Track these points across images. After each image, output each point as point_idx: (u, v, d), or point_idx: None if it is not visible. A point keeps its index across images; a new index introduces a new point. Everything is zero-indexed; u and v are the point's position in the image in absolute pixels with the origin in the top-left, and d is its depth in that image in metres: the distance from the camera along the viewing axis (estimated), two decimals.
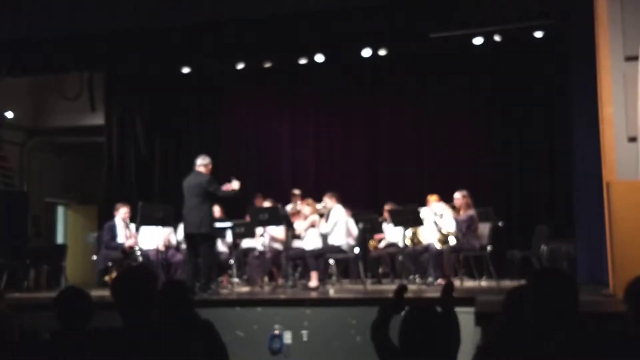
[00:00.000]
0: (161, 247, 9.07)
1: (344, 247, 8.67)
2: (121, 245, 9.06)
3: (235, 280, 9.22)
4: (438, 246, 8.57)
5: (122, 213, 9.35)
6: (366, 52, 10.58)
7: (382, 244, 9.71)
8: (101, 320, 3.45)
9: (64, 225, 14.68)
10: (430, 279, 8.68)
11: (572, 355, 1.99)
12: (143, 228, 9.02)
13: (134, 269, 3.18)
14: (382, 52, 10.66)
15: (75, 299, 3.36)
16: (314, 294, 7.91)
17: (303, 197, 9.88)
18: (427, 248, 8.78)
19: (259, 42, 9.34)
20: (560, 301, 2.38)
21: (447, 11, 8.31)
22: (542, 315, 2.36)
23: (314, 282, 8.50)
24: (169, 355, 2.53)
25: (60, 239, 14.33)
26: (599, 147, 6.86)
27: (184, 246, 9.07)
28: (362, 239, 9.11)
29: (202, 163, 8.18)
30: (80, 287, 3.54)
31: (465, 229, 8.60)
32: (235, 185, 8.12)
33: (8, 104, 12.41)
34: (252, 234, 9.39)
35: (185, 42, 9.23)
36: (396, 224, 8.84)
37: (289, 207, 9.86)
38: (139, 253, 9.02)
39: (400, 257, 9.17)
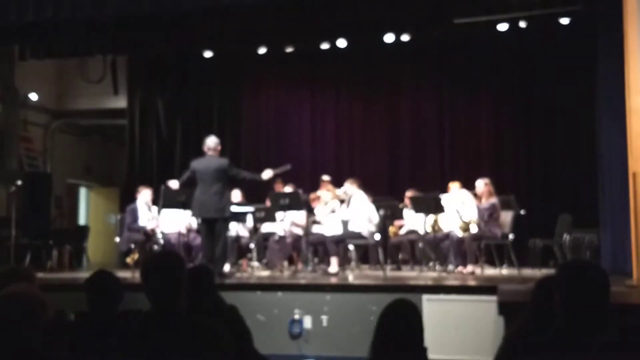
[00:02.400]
0: (183, 231, 9.13)
1: (364, 233, 8.67)
2: (143, 228, 9.13)
3: (255, 264, 9.28)
4: (459, 234, 8.54)
5: (144, 195, 9.39)
6: (389, 38, 10.50)
7: (402, 231, 9.70)
8: (124, 303, 3.50)
9: (87, 206, 14.85)
10: (450, 267, 8.67)
11: (609, 350, 1.97)
12: (165, 211, 9.04)
13: (164, 255, 3.19)
14: (405, 38, 10.57)
15: (105, 281, 3.40)
16: (333, 280, 7.94)
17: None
18: (448, 235, 8.75)
19: (281, 26, 9.34)
20: (592, 295, 2.34)
21: None
22: (573, 309, 2.33)
23: (333, 267, 8.53)
24: (197, 340, 2.55)
25: (82, 220, 14.50)
26: (626, 136, 6.78)
27: None
28: (383, 225, 9.10)
29: (214, 145, 8.02)
30: (110, 271, 3.58)
31: (487, 216, 8.55)
32: (267, 174, 8.10)
33: (32, 86, 12.53)
34: (272, 219, 9.40)
35: (207, 26, 9.24)
36: (417, 210, 8.81)
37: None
38: (160, 236, 9.07)
39: (420, 244, 9.15)
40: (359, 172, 10.54)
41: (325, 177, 10.15)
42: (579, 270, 2.43)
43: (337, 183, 9.64)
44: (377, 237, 8.76)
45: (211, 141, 8.07)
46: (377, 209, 8.89)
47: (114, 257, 11.47)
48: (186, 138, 12.55)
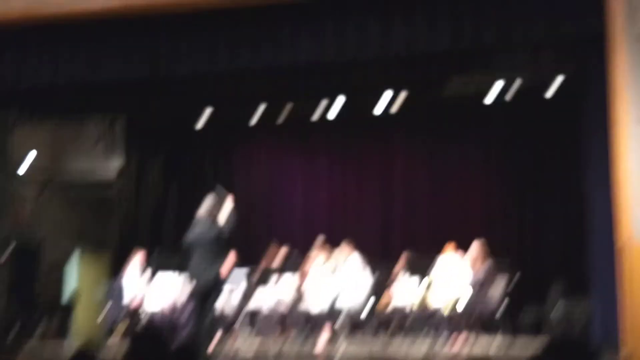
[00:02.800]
0: (169, 305, 8.98)
1: (355, 306, 8.57)
2: (127, 307, 9.00)
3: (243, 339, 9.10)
4: (445, 312, 8.49)
5: (135, 262, 9.29)
6: (379, 110, 10.68)
7: (389, 308, 9.50)
8: None
9: (77, 273, 14.60)
10: (441, 340, 8.54)
11: None
12: (156, 280, 8.89)
13: (147, 339, 3.10)
14: (395, 107, 10.79)
15: None
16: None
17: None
18: (436, 313, 8.69)
19: (276, 90, 9.47)
20: None
21: (461, 66, 8.41)
22: None
23: (319, 346, 8.40)
24: None
25: (72, 287, 14.24)
26: (613, 206, 6.80)
27: None
28: (375, 293, 9.00)
29: (208, 209, 7.57)
30: (91, 351, 3.39)
31: (481, 282, 8.52)
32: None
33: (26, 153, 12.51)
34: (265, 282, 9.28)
35: (203, 91, 9.37)
36: (412, 272, 8.78)
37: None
38: (143, 316, 8.95)
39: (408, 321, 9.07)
40: (352, 236, 10.50)
41: (320, 239, 10.02)
42: (558, 351, 2.42)
43: (330, 246, 9.61)
44: (368, 308, 8.64)
45: (205, 205, 7.68)
46: (373, 272, 8.83)
47: (101, 328, 11.27)
48: (179, 202, 12.55)
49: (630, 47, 6.76)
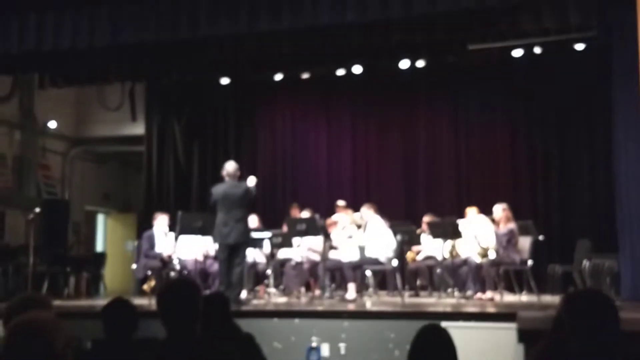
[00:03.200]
0: (200, 257, 9.13)
1: (382, 259, 8.62)
2: (160, 255, 9.14)
3: (272, 290, 9.24)
4: (477, 260, 8.47)
5: (160, 222, 9.42)
6: (404, 64, 10.59)
7: (420, 257, 9.64)
8: (141, 330, 3.50)
9: (104, 233, 14.92)
10: (469, 292, 8.59)
11: None
12: (182, 237, 9.05)
13: (181, 282, 3.18)
14: (420, 64, 10.65)
15: (122, 309, 3.41)
16: (351, 306, 7.88)
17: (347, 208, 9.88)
18: (466, 261, 8.68)
19: (296, 53, 9.40)
20: (599, 324, 2.31)
21: (486, 23, 8.24)
22: (582, 339, 2.30)
23: (351, 294, 8.48)
24: None
25: (100, 247, 14.56)
26: None
27: None
28: (400, 251, 9.05)
29: (233, 171, 7.98)
30: (127, 299, 3.58)
31: (506, 242, 8.48)
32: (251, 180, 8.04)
33: (51, 113, 12.69)
34: (289, 244, 9.38)
35: (224, 53, 9.32)
36: (435, 236, 8.77)
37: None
38: (177, 262, 9.08)
39: (438, 270, 9.10)
40: (376, 197, 10.53)
41: (341, 202, 10.15)
42: (581, 301, 2.40)
43: (354, 208, 9.64)
44: (395, 262, 8.69)
45: (231, 167, 8.03)
46: (395, 234, 8.85)
47: (131, 284, 11.50)
48: (203, 164, 12.62)
49: None
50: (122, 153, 14.15)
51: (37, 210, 10.18)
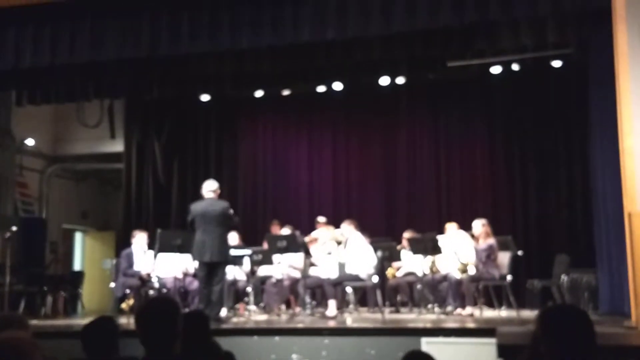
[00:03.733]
0: (179, 275, 9.05)
1: (362, 276, 8.61)
2: (138, 273, 9.07)
3: (253, 308, 9.19)
4: (457, 275, 8.50)
5: (139, 240, 9.36)
6: (384, 81, 10.67)
7: (400, 273, 9.65)
8: (120, 349, 3.45)
9: (82, 251, 14.77)
10: (449, 308, 8.60)
11: None
12: (161, 255, 8.98)
13: (160, 301, 3.16)
14: (400, 80, 10.75)
15: (105, 328, 3.36)
16: (331, 323, 7.85)
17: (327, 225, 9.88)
18: (446, 277, 8.70)
19: (277, 70, 9.43)
20: (574, 338, 2.33)
21: (465, 40, 8.32)
22: (558, 354, 2.31)
23: (331, 310, 8.45)
24: None
25: (77, 265, 14.40)
26: (620, 176, 6.79)
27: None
28: (381, 267, 9.05)
29: (213, 189, 8.06)
30: (112, 317, 3.54)
31: (485, 258, 8.52)
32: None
33: (29, 131, 12.58)
34: (269, 262, 9.36)
35: (205, 70, 9.31)
36: (415, 252, 8.79)
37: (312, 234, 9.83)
38: (156, 281, 9.00)
39: (419, 286, 9.11)
40: (356, 214, 10.55)
41: (321, 219, 10.16)
42: (556, 316, 2.42)
43: (334, 224, 9.63)
44: (375, 279, 8.69)
45: (210, 185, 8.09)
46: (375, 250, 8.86)
47: (109, 302, 11.36)
48: (183, 182, 12.56)
49: (635, 19, 6.69)
50: (101, 171, 14.06)
51: (14, 228, 10.05)
